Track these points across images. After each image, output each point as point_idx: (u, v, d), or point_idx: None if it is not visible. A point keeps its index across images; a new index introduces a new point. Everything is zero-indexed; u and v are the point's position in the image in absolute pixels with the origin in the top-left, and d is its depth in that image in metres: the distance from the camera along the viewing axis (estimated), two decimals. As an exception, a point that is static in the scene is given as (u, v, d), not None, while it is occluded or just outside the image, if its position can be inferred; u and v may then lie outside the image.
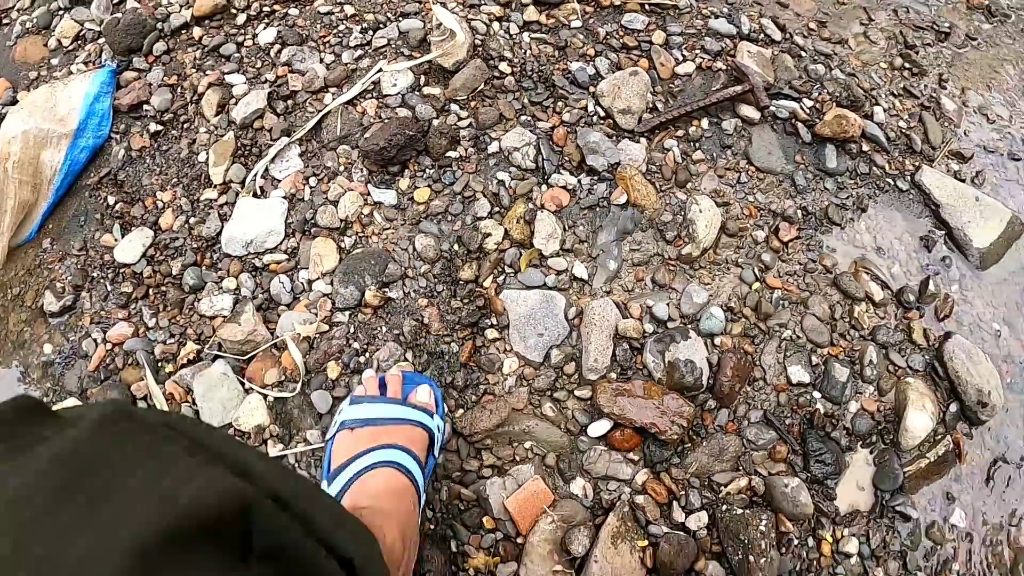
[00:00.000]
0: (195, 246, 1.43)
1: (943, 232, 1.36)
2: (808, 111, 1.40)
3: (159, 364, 1.37)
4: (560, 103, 1.39)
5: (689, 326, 1.24)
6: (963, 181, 1.40)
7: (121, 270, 1.45)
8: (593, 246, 1.29)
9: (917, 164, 1.40)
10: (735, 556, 1.13)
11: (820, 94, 1.42)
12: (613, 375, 1.21)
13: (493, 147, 1.37)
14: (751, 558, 1.12)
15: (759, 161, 1.36)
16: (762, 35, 1.47)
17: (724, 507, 1.16)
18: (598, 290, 1.27)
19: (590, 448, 1.19)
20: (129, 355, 1.40)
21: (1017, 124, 1.53)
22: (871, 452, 1.24)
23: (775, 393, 1.22)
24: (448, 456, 1.20)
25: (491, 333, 1.25)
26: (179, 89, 1.52)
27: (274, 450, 1.25)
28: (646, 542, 1.14)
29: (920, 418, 1.22)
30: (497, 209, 1.32)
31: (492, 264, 1.28)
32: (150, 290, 1.43)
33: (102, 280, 1.46)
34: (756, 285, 1.27)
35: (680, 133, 1.37)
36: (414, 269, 1.31)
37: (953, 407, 1.26)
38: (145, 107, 1.52)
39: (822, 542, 1.17)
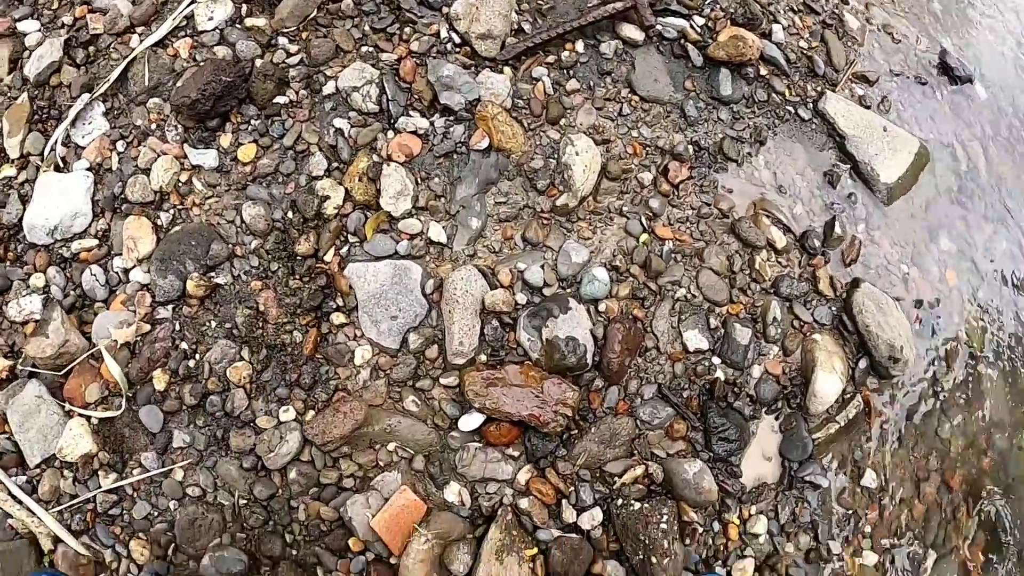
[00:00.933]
0: (-2, 238, 1.16)
1: (848, 166, 1.23)
2: (699, 30, 1.22)
3: None
4: (408, 29, 1.17)
5: (568, 292, 1.06)
6: (868, 107, 1.26)
7: None
8: (452, 202, 1.10)
9: (820, 89, 1.24)
10: (635, 556, 1.00)
11: (713, 11, 1.24)
12: (483, 358, 1.03)
13: (329, 87, 1.14)
14: (653, 559, 0.98)
15: (644, 89, 1.18)
16: (643, -61, 1.26)
17: (620, 501, 1.02)
18: (460, 253, 1.08)
19: (463, 446, 1.02)
20: None
21: (924, 44, 1.39)
22: (777, 419, 1.12)
23: (670, 363, 1.08)
24: (302, 468, 1.02)
25: (338, 317, 1.05)
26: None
27: (107, 481, 1.05)
28: (535, 550, 0.99)
29: (829, 380, 1.10)
30: (336, 165, 1.10)
31: (333, 233, 1.07)
32: None
33: None
34: (644, 237, 1.11)
35: (551, 59, 1.17)
36: (243, 246, 1.08)
37: (863, 363, 1.16)
38: None
39: (728, 526, 1.06)
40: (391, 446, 1.02)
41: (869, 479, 1.15)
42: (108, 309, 1.10)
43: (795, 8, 1.29)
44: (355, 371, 1.04)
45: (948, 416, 1.22)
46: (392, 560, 1.00)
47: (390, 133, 1.11)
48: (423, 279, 1.06)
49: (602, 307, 1.07)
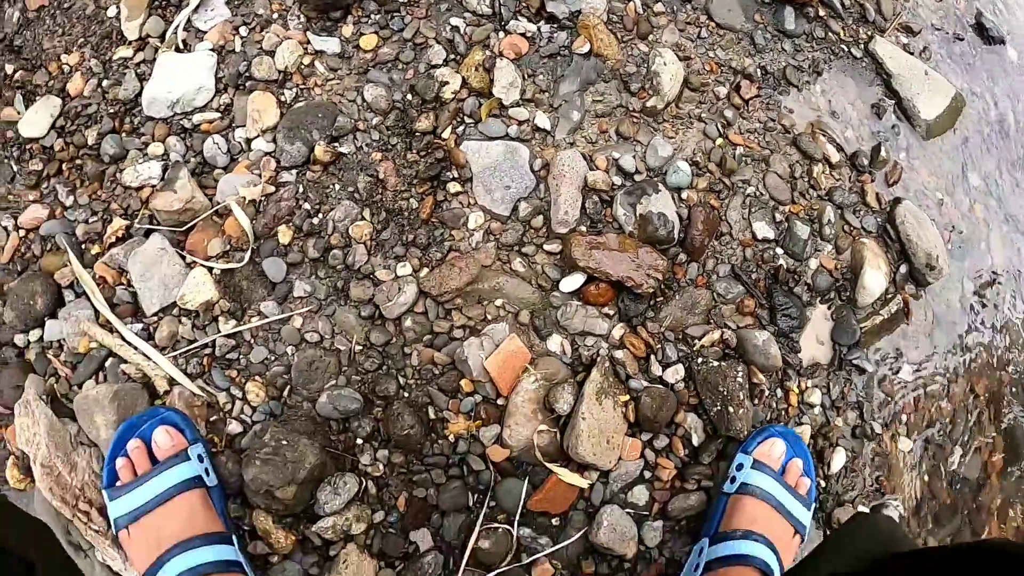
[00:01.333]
0: (112, 111, 1.26)
1: (893, 101, 1.39)
2: (767, -29, 1.37)
3: (83, 246, 1.23)
4: (516, -55, 1.30)
5: (656, 180, 1.20)
6: (912, 54, 1.42)
7: (28, 146, 1.28)
8: (555, 96, 1.23)
9: (870, 34, 1.41)
10: (713, 407, 1.13)
11: (779, -46, 1.40)
12: (583, 228, 1.16)
13: (445, -11, 1.26)
14: (730, 408, 1.11)
15: (719, 17, 1.33)
16: None
17: (700, 360, 1.14)
18: (561, 141, 1.21)
19: (564, 304, 1.14)
20: (47, 240, 1.25)
21: (962, 4, 1.57)
22: (829, 308, 1.26)
23: (741, 248, 1.22)
24: (416, 319, 1.12)
25: (453, 187, 1.17)
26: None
27: (227, 326, 1.13)
28: (627, 397, 1.11)
29: (876, 277, 1.25)
30: (453, 56, 1.23)
31: (451, 114, 1.19)
32: (64, 165, 1.27)
33: (6, 160, 1.28)
34: (720, 141, 1.25)
35: (642, -17, 1.32)
36: (365, 121, 1.20)
37: (903, 268, 1.30)
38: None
39: (789, 393, 1.19)
40: (498, 302, 1.14)
41: (906, 372, 1.29)
42: (231, 173, 1.20)
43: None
44: (468, 233, 1.16)
45: (974, 329, 1.37)
46: (499, 401, 1.11)
47: (501, 33, 1.24)
48: (531, 159, 1.18)
49: (684, 195, 1.21)
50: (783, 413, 1.19)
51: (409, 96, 1.21)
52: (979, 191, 1.44)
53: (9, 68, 1.33)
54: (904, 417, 1.28)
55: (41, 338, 1.21)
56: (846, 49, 1.39)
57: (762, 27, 1.35)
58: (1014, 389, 1.40)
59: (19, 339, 1.21)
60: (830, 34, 1.39)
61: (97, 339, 1.16)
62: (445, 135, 1.19)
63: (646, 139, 1.23)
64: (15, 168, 1.29)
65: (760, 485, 1.04)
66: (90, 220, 1.23)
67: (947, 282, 1.35)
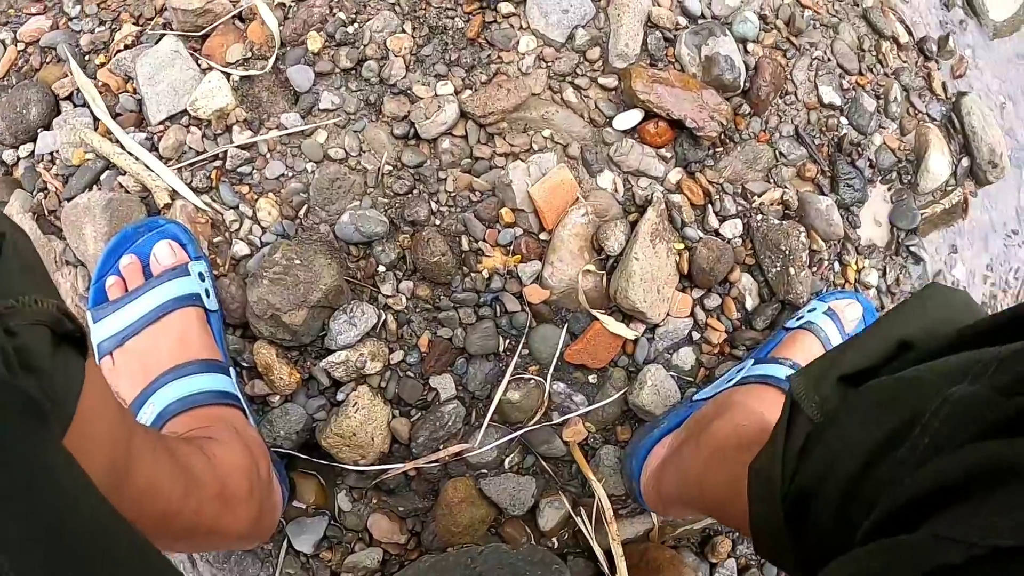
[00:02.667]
0: None
1: (964, -6, 1.34)
2: None
3: (87, 57, 1.12)
4: None
5: (722, 25, 1.12)
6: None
7: None
8: (619, -69, 1.14)
9: (940, -80, 1.35)
10: (772, 268, 1.05)
11: None
12: (642, 65, 1.07)
13: None
14: (791, 270, 1.03)
15: None
16: None
17: (759, 216, 1.06)
18: (621, -23, 1.12)
19: (619, 140, 1.05)
20: (48, 51, 1.15)
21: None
22: (889, 189, 1.19)
23: (806, 110, 1.15)
24: (454, 141, 1.03)
25: (505, 7, 1.08)
26: None
27: (241, 137, 1.03)
28: (682, 245, 1.03)
29: (941, 162, 1.19)
30: None
31: (508, -70, 1.10)
32: None
33: None
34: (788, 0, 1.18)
35: None
36: (412, -73, 1.10)
37: (964, 162, 1.25)
38: None
39: (847, 268, 1.12)
40: (546, 132, 1.05)
41: (959, 272, 1.23)
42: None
43: None
44: (518, 57, 1.06)
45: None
46: (542, 236, 1.01)
47: None
48: (591, -15, 1.10)
49: (750, 48, 1.13)
50: (839, 288, 1.11)
51: (459, -91, 1.11)
52: (1040, 101, 1.39)
53: None
54: (956, 317, 1.21)
55: (32, 153, 1.10)
56: (918, -68, 1.33)
57: None
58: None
59: (7, 155, 1.11)
60: (903, -89, 1.33)
61: (94, 147, 1.05)
62: (498, -48, 1.09)
63: (713, -15, 1.15)
64: None
65: (825, 329, 0.97)
66: (96, 30, 1.13)
67: (1004, 186, 1.30)
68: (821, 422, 0.51)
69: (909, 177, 1.20)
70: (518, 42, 1.06)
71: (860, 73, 1.19)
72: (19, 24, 1.16)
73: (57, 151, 1.08)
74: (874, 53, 1.21)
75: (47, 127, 1.09)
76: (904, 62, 1.24)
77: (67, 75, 1.11)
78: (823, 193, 1.12)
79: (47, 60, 1.13)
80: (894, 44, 1.24)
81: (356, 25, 1.06)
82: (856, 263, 1.13)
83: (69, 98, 1.10)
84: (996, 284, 1.27)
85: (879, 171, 1.17)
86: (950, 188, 1.23)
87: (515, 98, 1.03)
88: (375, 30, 1.06)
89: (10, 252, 0.44)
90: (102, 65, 1.10)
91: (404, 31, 1.06)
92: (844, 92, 1.17)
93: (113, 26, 1.13)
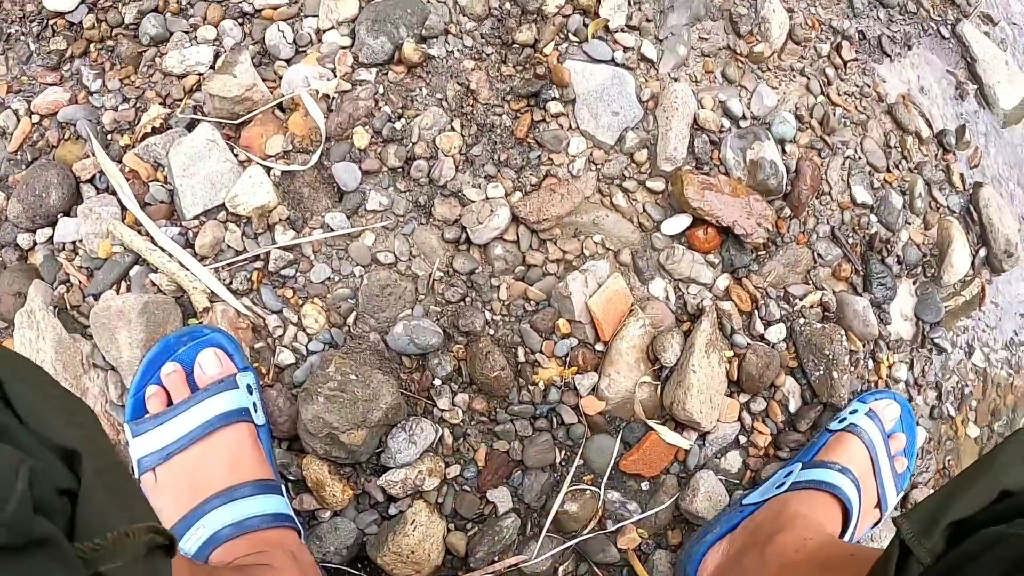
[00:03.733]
0: (156, -14, 1.11)
1: (976, 87, 1.40)
2: (865, -67, 1.35)
3: (109, 136, 1.09)
4: None
5: (763, 127, 1.15)
6: (992, 42, 1.44)
7: (52, 21, 1.12)
8: (661, 27, 1.17)
9: (956, 16, 1.41)
10: (816, 371, 1.08)
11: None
12: (689, 168, 1.09)
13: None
14: (834, 374, 1.07)
15: (820, -25, 1.30)
16: None
17: (802, 320, 1.09)
18: (665, 75, 1.15)
19: (667, 247, 1.06)
20: (66, 127, 1.11)
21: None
22: (914, 284, 1.23)
23: (840, 210, 1.19)
24: (507, 247, 1.03)
25: (554, 107, 1.08)
26: None
27: (285, 237, 1.01)
28: (732, 353, 1.05)
29: (963, 255, 1.24)
30: (558, -31, 1.14)
31: (554, 29, 1.10)
32: (92, 46, 1.13)
33: (23, 37, 1.13)
34: (820, 98, 1.22)
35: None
36: (458, 25, 1.10)
37: (982, 252, 1.30)
38: None
39: (880, 365, 1.16)
40: (597, 238, 1.06)
41: (978, 357, 1.29)
42: (300, 64, 1.08)
43: (937, -59, 1.46)
44: (568, 159, 1.07)
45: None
46: (598, 347, 1.02)
47: (608, -48, 1.17)
48: (638, 88, 1.11)
49: (788, 149, 1.16)
50: (872, 385, 1.15)
51: (508, 4, 1.12)
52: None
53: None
54: (974, 403, 1.27)
55: (51, 239, 1.06)
56: (935, 27, 1.39)
57: (859, -10, 1.33)
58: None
59: (23, 239, 1.06)
60: (921, 10, 1.38)
61: (123, 240, 1.02)
62: (547, 51, 1.10)
63: (751, 85, 1.18)
64: (32, 47, 1.14)
65: (868, 431, 1.01)
66: (120, 107, 1.09)
67: (1018, 272, 1.36)
68: (931, 565, 0.54)
69: (933, 271, 1.25)
70: (568, 143, 1.07)
71: (888, 170, 1.24)
72: (33, 94, 1.12)
73: (80, 240, 1.05)
74: (899, 149, 1.26)
75: (67, 212, 1.06)
76: (925, 155, 1.29)
77: (88, 156, 1.07)
78: (857, 293, 1.16)
79: (65, 137, 1.10)
80: (917, 138, 1.29)
81: (404, 121, 1.06)
82: (887, 359, 1.17)
83: (91, 181, 1.07)
84: (1013, 366, 1.33)
85: (906, 267, 1.22)
86: (969, 278, 1.29)
87: (568, 203, 1.03)
88: (424, 127, 1.05)
89: (91, 473, 0.42)
90: (127, 148, 1.07)
91: (453, 129, 1.06)
92: (875, 191, 1.21)
93: (138, 104, 1.10)
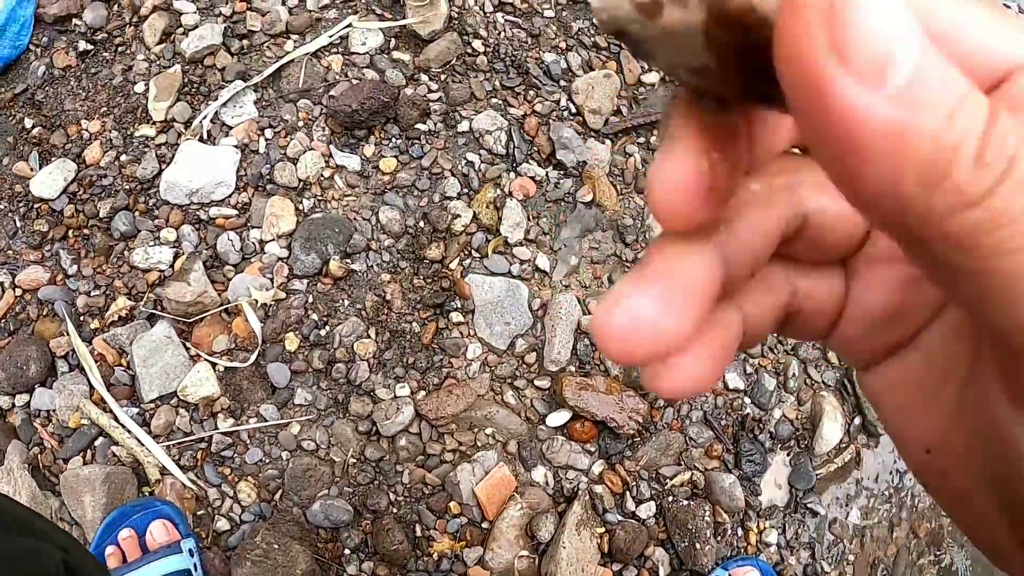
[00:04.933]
0: (128, 187, 1.36)
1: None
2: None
3: (81, 318, 1.31)
4: (532, 92, 1.46)
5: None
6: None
7: (36, 205, 1.36)
8: (556, 239, 1.38)
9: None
10: (681, 543, 1.26)
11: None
12: (572, 368, 1.30)
13: (463, 126, 1.41)
14: (697, 545, 1.25)
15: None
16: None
17: (670, 498, 1.28)
18: (558, 283, 1.36)
19: (550, 438, 1.27)
20: (45, 304, 1.32)
21: None
22: (788, 455, 1.41)
23: (713, 396, 1.37)
24: (410, 439, 1.24)
25: (456, 316, 1.30)
26: (117, 6, 1.43)
27: (225, 424, 1.23)
28: (603, 529, 1.24)
29: (833, 428, 1.42)
30: (466, 191, 1.37)
31: (460, 246, 1.33)
32: (71, 232, 1.35)
33: (11, 214, 1.36)
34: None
35: (641, 140, 1.48)
36: (378, 242, 1.33)
37: (857, 420, 1.47)
38: (75, 21, 1.42)
39: (750, 532, 1.34)
40: (488, 430, 1.27)
41: (854, 516, 1.45)
42: (241, 272, 1.31)
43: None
44: (466, 363, 1.28)
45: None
46: (484, 524, 1.23)
47: (512, 174, 1.39)
48: (530, 297, 1.33)
49: (667, 342, 1.36)
50: (742, 550, 1.33)
51: (422, 223, 1.34)
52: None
53: (28, 122, 1.42)
54: (851, 558, 1.43)
55: (28, 404, 1.28)
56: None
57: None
58: (951, 529, 1.58)
59: (3, 401, 1.28)
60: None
61: (91, 417, 1.25)
62: (452, 266, 1.32)
63: (636, 285, 1.38)
64: (18, 224, 1.37)
65: None
66: (92, 293, 1.32)
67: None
68: None
69: (806, 442, 1.43)
70: (466, 349, 1.29)
71: (762, 355, 1.43)
72: (17, 268, 1.34)
73: (54, 410, 1.28)
74: (775, 334, 1.45)
75: (43, 383, 1.29)
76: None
77: (63, 334, 1.30)
78: (728, 469, 1.35)
79: (43, 313, 1.32)
80: (795, 320, 1.47)
81: (328, 328, 1.28)
82: (757, 526, 1.35)
83: (65, 357, 1.30)
84: (893, 519, 1.50)
85: (778, 441, 1.40)
86: (844, 446, 1.46)
87: (463, 403, 1.25)
88: (344, 334, 1.27)
89: None
90: (96, 331, 1.30)
91: (368, 335, 1.28)
92: (747, 376, 1.40)
93: (107, 292, 1.33)
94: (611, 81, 1.48)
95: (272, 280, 1.30)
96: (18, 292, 1.33)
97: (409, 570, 1.21)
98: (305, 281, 1.30)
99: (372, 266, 1.32)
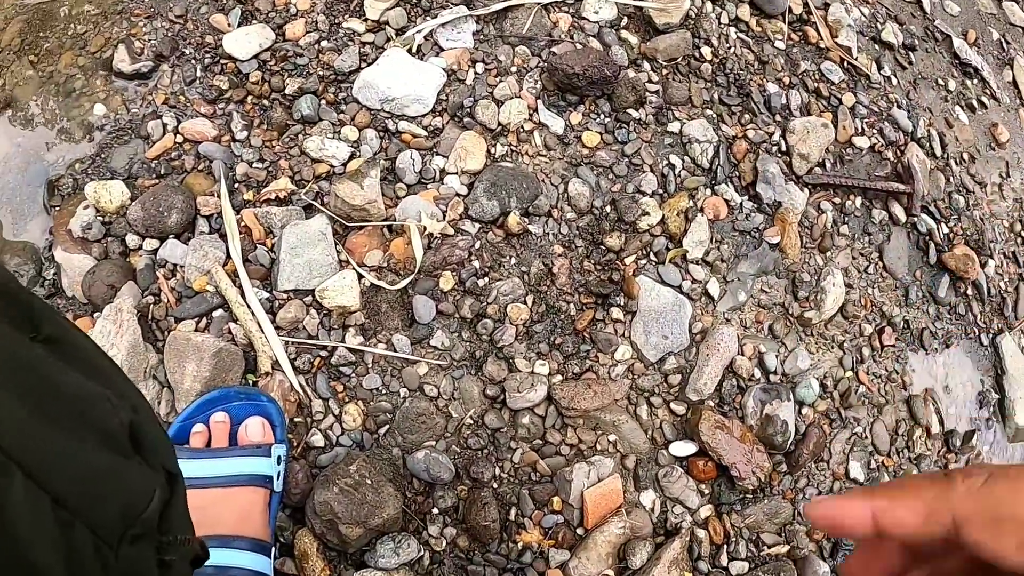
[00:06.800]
0: (321, 74, 1.31)
1: (998, 397, 1.53)
2: (942, 237, 1.51)
3: (237, 185, 1.25)
4: (748, 116, 1.41)
5: (789, 387, 1.30)
6: (1025, 357, 1.58)
7: (224, 62, 1.31)
8: (731, 270, 1.33)
9: (1000, 327, 1.56)
10: (759, 614, 1.21)
11: (956, 226, 1.54)
12: (712, 403, 1.25)
13: (674, 127, 1.37)
14: (774, 623, 1.20)
15: (888, 260, 1.46)
16: (928, 144, 1.57)
17: (763, 566, 1.23)
18: (720, 314, 1.31)
19: (669, 465, 1.22)
20: (202, 159, 1.27)
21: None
22: (878, 563, 1.36)
23: (831, 479, 1.32)
24: (534, 419, 1.19)
25: (616, 312, 1.25)
26: None
27: (353, 341, 1.18)
28: (691, 575, 1.19)
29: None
30: (660, 191, 1.32)
31: (640, 244, 1.28)
32: (250, 97, 1.30)
33: (194, 61, 1.31)
34: (849, 373, 1.36)
35: (836, 200, 1.44)
36: (560, 211, 1.28)
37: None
38: None
39: (822, 628, 1.28)
40: (612, 437, 1.22)
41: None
42: (415, 195, 1.26)
43: (1006, 254, 1.61)
44: (612, 363, 1.23)
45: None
46: (579, 531, 1.18)
47: (708, 190, 1.34)
48: (692, 318, 1.28)
49: (804, 411, 1.31)
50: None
51: (608, 208, 1.29)
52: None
53: (239, -22, 1.37)
54: None
55: (155, 251, 1.22)
56: (977, 333, 1.53)
57: (918, 284, 1.49)
58: None
59: (132, 240, 1.22)
60: (969, 314, 1.53)
61: (219, 285, 1.19)
62: (628, 261, 1.27)
63: (791, 345, 1.34)
64: (198, 73, 1.32)
65: None
66: (254, 164, 1.27)
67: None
68: None
69: (898, 556, 1.38)
70: (616, 349, 1.24)
71: (888, 455, 1.38)
72: (185, 116, 1.30)
73: (181, 266, 1.22)
74: (906, 438, 1.41)
75: (179, 236, 1.23)
76: (928, 450, 1.43)
77: (214, 195, 1.25)
78: (823, 557, 1.30)
79: (198, 167, 1.27)
80: (926, 432, 1.43)
81: (487, 280, 1.23)
82: (829, 625, 1.30)
83: (208, 218, 1.24)
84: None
85: (874, 545, 1.35)
86: (928, 572, 1.42)
87: (598, 401, 1.20)
88: (502, 292, 1.22)
89: (178, 495, 0.60)
90: (248, 203, 1.25)
91: (525, 302, 1.23)
92: (870, 470, 1.36)
93: (270, 169, 1.28)
94: (827, 132, 1.43)
95: (445, 213, 1.25)
96: (179, 139, 1.28)
97: (489, 551, 1.16)
98: (478, 225, 1.25)
99: (548, 233, 1.27)
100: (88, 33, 1.34)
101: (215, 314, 1.21)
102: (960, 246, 1.52)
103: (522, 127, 1.31)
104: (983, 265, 1.56)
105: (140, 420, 0.54)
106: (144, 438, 0.54)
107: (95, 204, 1.23)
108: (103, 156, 1.27)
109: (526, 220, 1.26)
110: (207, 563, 1.03)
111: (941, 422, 1.46)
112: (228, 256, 1.22)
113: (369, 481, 1.12)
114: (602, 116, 1.35)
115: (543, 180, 1.29)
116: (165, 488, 0.56)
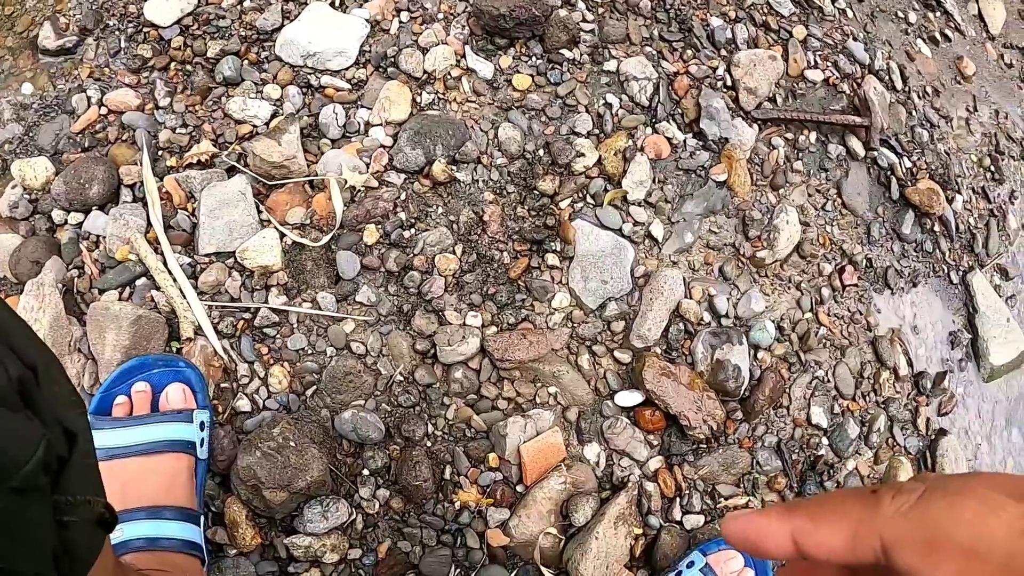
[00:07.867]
0: (243, 34, 1.27)
1: (970, 337, 1.46)
2: (904, 172, 1.44)
3: (160, 152, 1.21)
4: (690, 52, 1.35)
5: (742, 330, 1.23)
6: (1000, 297, 1.50)
7: (146, 30, 1.26)
8: (676, 210, 1.26)
9: (970, 264, 1.48)
10: (715, 570, 1.14)
11: (920, 160, 1.47)
12: (659, 350, 1.19)
13: (610, 65, 1.30)
14: None
15: (847, 197, 1.39)
16: (887, 77, 1.50)
17: (721, 519, 1.17)
18: (666, 256, 1.24)
19: (614, 416, 1.15)
20: (126, 129, 1.23)
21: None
22: (847, 513, 1.29)
23: (792, 427, 1.26)
24: (467, 373, 1.13)
25: (552, 259, 1.19)
26: None
27: (276, 301, 1.12)
28: (641, 531, 1.13)
29: (901, 498, 1.29)
30: (597, 131, 1.25)
31: (576, 187, 1.21)
32: (173, 64, 1.26)
33: (118, 32, 1.27)
34: (808, 315, 1.30)
35: (789, 136, 1.37)
36: (490, 157, 1.21)
37: (924, 497, 1.35)
38: None
39: (786, 582, 1.21)
40: (552, 389, 1.16)
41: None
42: (338, 149, 1.20)
43: (975, 189, 1.54)
44: (549, 311, 1.17)
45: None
46: (519, 488, 1.12)
47: (648, 129, 1.28)
48: (635, 263, 1.21)
49: (760, 355, 1.24)
50: (773, 599, 1.22)
51: (541, 152, 1.23)
52: (1016, 447, 1.51)
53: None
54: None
55: (80, 224, 1.18)
56: (946, 271, 1.46)
57: (881, 221, 1.41)
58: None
59: (57, 215, 1.18)
60: (937, 251, 1.46)
61: (140, 254, 1.14)
62: (563, 205, 1.21)
63: (744, 287, 1.27)
64: (123, 44, 1.28)
65: None
66: (177, 130, 1.22)
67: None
68: None
69: (868, 505, 1.31)
70: (553, 296, 1.17)
71: (853, 399, 1.31)
72: (110, 87, 1.25)
73: (104, 237, 1.17)
74: (872, 381, 1.33)
75: (102, 208, 1.19)
76: (897, 393, 1.36)
77: (136, 163, 1.20)
78: (785, 507, 1.23)
79: (122, 137, 1.23)
80: (893, 374, 1.36)
81: (413, 231, 1.17)
82: None
83: (131, 187, 1.19)
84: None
85: (843, 494, 1.28)
86: (903, 521, 1.34)
87: (534, 351, 1.13)
88: (428, 243, 1.16)
89: (78, 454, 0.55)
90: (171, 169, 1.20)
91: (454, 252, 1.17)
92: (833, 416, 1.29)
93: (193, 133, 1.23)
94: (775, 65, 1.36)
95: (368, 165, 1.19)
96: (103, 111, 1.24)
97: (425, 511, 1.10)
98: (403, 176, 1.19)
99: (478, 180, 1.20)
100: (16, 13, 1.30)
101: (138, 283, 1.15)
102: (924, 180, 1.45)
103: (449, 74, 1.25)
104: (950, 200, 1.48)
105: (35, 376, 0.51)
106: (38, 394, 0.50)
107: (21, 182, 1.19)
108: (30, 135, 1.22)
109: (453, 168, 1.20)
110: (139, 536, 0.98)
111: (910, 364, 1.39)
112: (150, 224, 1.17)
113: (293, 444, 1.06)
114: (533, 58, 1.28)
115: (472, 126, 1.23)
116: (61, 444, 0.52)
